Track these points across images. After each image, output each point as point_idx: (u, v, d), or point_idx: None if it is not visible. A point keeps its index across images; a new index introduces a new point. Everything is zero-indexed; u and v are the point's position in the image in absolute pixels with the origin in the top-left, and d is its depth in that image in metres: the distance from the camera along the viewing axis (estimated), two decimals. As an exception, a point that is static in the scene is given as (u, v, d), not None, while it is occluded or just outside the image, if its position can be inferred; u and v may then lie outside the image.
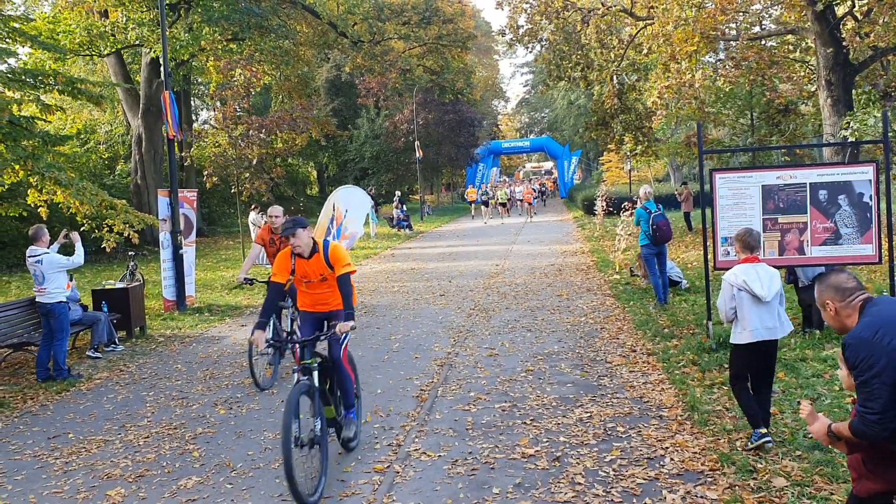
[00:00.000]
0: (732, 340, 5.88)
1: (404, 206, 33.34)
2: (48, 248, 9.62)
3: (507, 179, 55.69)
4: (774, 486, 5.02)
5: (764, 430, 5.66)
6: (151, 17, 23.52)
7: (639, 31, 21.85)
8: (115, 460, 6.42)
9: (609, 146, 31.10)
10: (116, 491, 5.71)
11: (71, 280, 11.46)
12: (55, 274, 9.45)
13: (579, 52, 25.27)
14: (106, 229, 13.59)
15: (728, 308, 5.80)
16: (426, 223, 37.98)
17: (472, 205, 41.01)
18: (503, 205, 38.68)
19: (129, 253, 16.28)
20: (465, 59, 48.35)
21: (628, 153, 28.40)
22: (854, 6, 17.69)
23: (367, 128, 46.39)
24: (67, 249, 10.04)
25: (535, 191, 42.41)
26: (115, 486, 5.83)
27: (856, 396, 3.38)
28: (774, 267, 6.17)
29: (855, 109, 17.05)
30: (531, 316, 11.89)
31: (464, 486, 5.45)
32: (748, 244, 5.96)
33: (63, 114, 20.94)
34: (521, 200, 40.99)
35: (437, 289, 15.37)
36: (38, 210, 13.88)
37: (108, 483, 5.91)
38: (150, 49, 24.52)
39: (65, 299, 9.58)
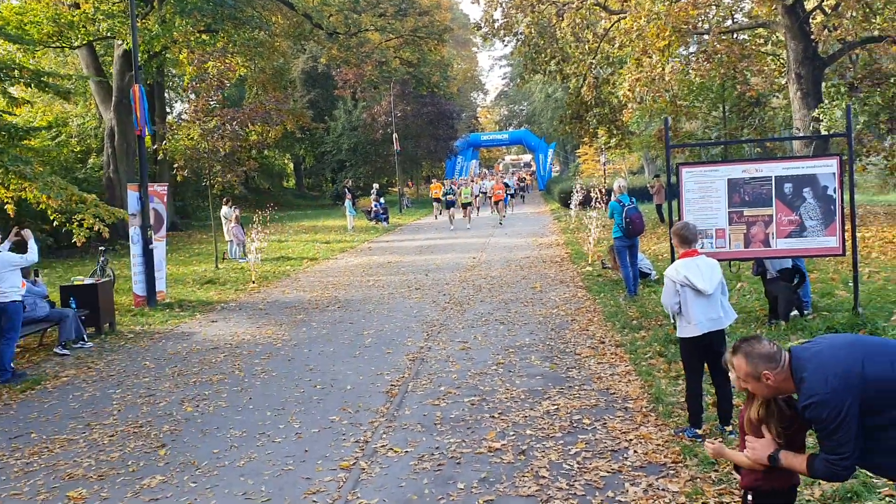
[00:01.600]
0: (679, 335, 5.97)
1: (382, 199, 33.26)
2: (0, 246, 9.52)
3: (486, 172, 54.96)
4: (735, 479, 5.06)
5: (699, 431, 5.83)
6: (122, 7, 23.24)
7: (612, 24, 21.91)
8: (78, 460, 6.36)
9: (583, 139, 31.19)
10: (77, 491, 5.66)
11: (37, 276, 11.36)
12: (8, 273, 9.33)
13: (554, 45, 25.34)
14: (76, 223, 13.43)
15: (672, 303, 5.88)
16: (405, 216, 37.92)
17: (436, 203, 35.04)
18: (467, 206, 30.01)
19: (100, 248, 16.11)
20: (441, 51, 48.25)
21: (602, 146, 28.50)
22: (823, 0, 17.86)
23: (344, 120, 46.17)
24: (20, 247, 9.90)
25: (507, 186, 34.44)
26: (76, 486, 5.78)
27: (820, 446, 3.29)
28: (740, 259, 6.26)
29: (824, 102, 17.22)
30: (505, 308, 11.91)
31: (429, 482, 5.46)
32: (685, 238, 6.01)
33: (32, 107, 20.65)
34: (490, 198, 33.25)
35: (413, 282, 15.36)
36: (5, 206, 13.68)
37: (69, 483, 5.86)
38: (122, 41, 24.23)
39: (19, 298, 9.46)
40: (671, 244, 9.38)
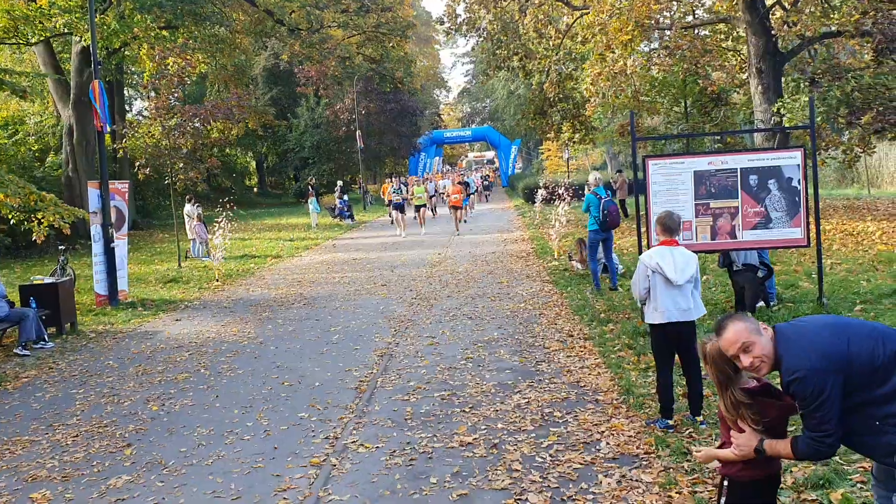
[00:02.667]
0: (646, 320, 6.04)
1: (346, 196, 33.04)
2: None
3: (450, 169, 54.63)
4: (708, 468, 5.10)
5: (671, 422, 5.89)
6: (80, 2, 22.75)
7: (575, 20, 22.02)
8: (42, 461, 6.21)
9: (547, 135, 31.31)
10: (41, 493, 5.52)
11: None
12: None
13: (517, 41, 25.40)
14: (35, 222, 13.12)
15: (642, 288, 5.92)
16: (369, 213, 37.74)
17: (391, 205, 27.12)
18: (421, 208, 26.03)
19: (60, 247, 15.77)
20: (405, 47, 48.07)
21: (567, 141, 28.63)
22: (783, -4, 18.15)
23: (307, 117, 45.78)
24: None
25: (466, 186, 29.72)
26: (40, 487, 5.64)
27: (803, 425, 3.29)
28: (707, 251, 6.32)
29: (784, 96, 17.49)
30: (472, 304, 11.90)
31: (401, 477, 5.42)
32: (668, 227, 6.05)
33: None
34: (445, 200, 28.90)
35: (379, 279, 15.28)
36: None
37: (32, 485, 5.71)
38: (80, 37, 23.74)
39: None
40: (638, 238, 9.48)
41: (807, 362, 3.18)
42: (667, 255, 5.85)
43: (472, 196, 32.58)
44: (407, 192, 26.56)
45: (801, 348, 3.23)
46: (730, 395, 3.41)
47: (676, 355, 6.07)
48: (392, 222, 26.70)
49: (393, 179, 28.04)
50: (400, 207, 25.01)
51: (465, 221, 26.93)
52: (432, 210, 31.99)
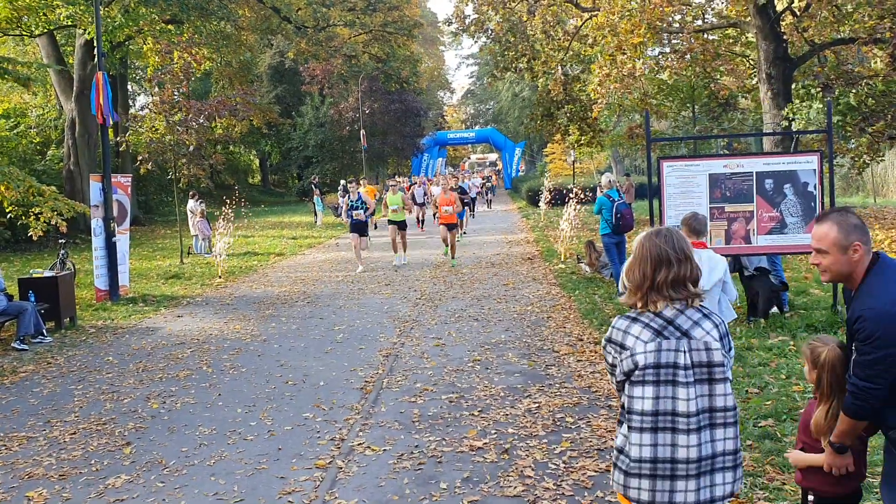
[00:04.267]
0: None
1: (349, 195, 32.83)
2: None
3: (452, 171, 54.26)
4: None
5: None
6: (85, -5, 22.63)
7: (584, 22, 21.86)
8: (39, 458, 6.03)
9: (554, 137, 31.14)
10: (38, 491, 5.35)
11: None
12: None
13: (525, 42, 25.23)
14: (33, 217, 12.96)
15: None
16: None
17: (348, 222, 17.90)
18: (398, 225, 17.28)
19: (60, 241, 15.61)
20: (411, 47, 47.98)
21: (574, 144, 28.47)
22: (793, 1, 17.98)
23: (311, 115, 45.66)
24: None
25: (462, 192, 22.09)
26: (36, 486, 5.46)
27: (853, 371, 3.05)
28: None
29: (794, 102, 17.34)
30: (478, 305, 11.73)
31: (410, 482, 5.25)
32: (694, 228, 5.88)
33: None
34: (435, 214, 20.66)
35: (383, 278, 15.11)
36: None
37: (29, 483, 5.54)
38: (84, 30, 23.59)
39: None
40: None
41: (885, 304, 2.92)
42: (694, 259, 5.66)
43: (469, 206, 25.96)
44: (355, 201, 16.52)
45: (886, 290, 2.96)
46: (833, 407, 3.21)
47: None
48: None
49: (349, 185, 18.38)
50: (360, 228, 16.49)
51: (462, 234, 21.33)
52: (420, 222, 26.17)
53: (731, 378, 2.93)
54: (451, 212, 16.74)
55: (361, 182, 25.23)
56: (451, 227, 16.77)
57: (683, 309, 2.93)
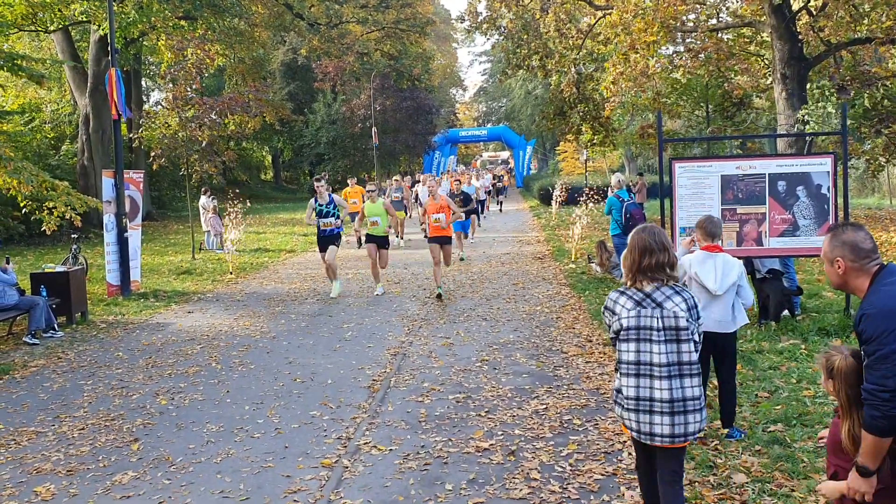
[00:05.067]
0: None
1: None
2: None
3: (464, 168, 54.10)
4: (734, 483, 4.90)
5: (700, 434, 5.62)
6: (98, -10, 22.70)
7: (597, 20, 21.77)
8: (47, 453, 6.06)
9: (567, 136, 31.05)
10: (45, 487, 5.37)
11: (8, 263, 10.99)
12: None
13: (538, 40, 25.15)
14: (46, 211, 13.02)
15: None
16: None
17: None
18: (378, 241, 13.20)
19: (73, 235, 15.68)
20: (423, 44, 47.93)
21: (586, 143, 28.37)
22: (809, 0, 17.83)
23: (323, 112, 45.67)
24: None
25: (465, 199, 18.26)
26: (44, 481, 5.49)
27: (865, 374, 3.03)
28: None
29: (809, 103, 17.20)
30: (487, 304, 11.70)
31: (415, 482, 5.24)
32: (709, 231, 5.84)
33: (5, 91, 20.10)
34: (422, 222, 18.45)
35: (392, 276, 15.11)
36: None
37: (37, 478, 5.56)
38: (98, 26, 23.70)
39: None
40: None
41: (884, 301, 2.99)
42: (708, 263, 5.63)
43: (476, 213, 22.26)
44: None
45: (887, 290, 3.03)
46: (854, 424, 3.10)
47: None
48: (359, 244, 16.30)
49: (317, 184, 13.36)
50: (330, 239, 13.17)
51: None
52: (397, 233, 20.22)
53: (696, 340, 3.85)
54: (445, 223, 12.56)
55: (349, 181, 22.60)
56: (443, 241, 12.67)
57: (660, 286, 3.88)
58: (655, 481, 4.03)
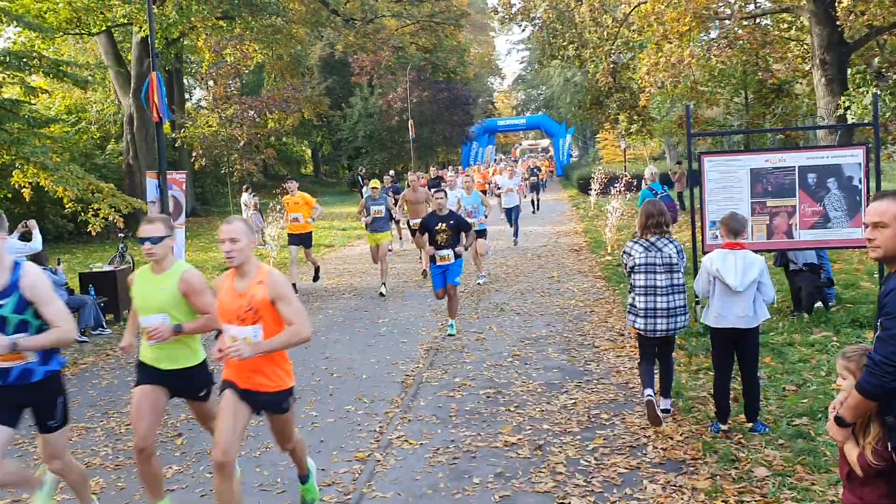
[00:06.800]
0: (703, 319, 6.05)
1: (396, 184, 33.07)
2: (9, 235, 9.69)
3: (502, 157, 53.93)
4: (756, 476, 4.99)
5: (724, 427, 5.80)
6: (139, -6, 23.22)
7: (632, 9, 21.63)
8: (96, 448, 6.38)
9: (604, 125, 30.90)
10: (95, 480, 5.66)
11: (59, 264, 11.45)
12: (15, 258, 9.44)
13: (573, 30, 25.06)
14: (91, 213, 13.46)
15: (704, 290, 5.93)
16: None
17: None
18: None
19: (119, 234, 16.18)
20: (458, 36, 47.93)
21: (623, 132, 28.20)
22: (849, -17, 17.49)
23: (360, 106, 46.04)
24: (27, 237, 10.26)
25: (494, 192, 18.60)
26: (93, 475, 5.78)
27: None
28: (763, 251, 6.21)
29: (849, 89, 16.93)
30: (521, 299, 11.83)
31: (444, 476, 5.42)
32: (733, 228, 5.90)
33: (51, 94, 20.70)
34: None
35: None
36: (23, 191, 13.76)
37: (87, 472, 5.86)
38: (139, 28, 24.25)
39: None
40: (693, 234, 9.28)
41: None
42: (729, 260, 5.71)
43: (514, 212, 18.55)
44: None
45: None
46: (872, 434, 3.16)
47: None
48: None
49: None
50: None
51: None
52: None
53: (681, 270, 6.03)
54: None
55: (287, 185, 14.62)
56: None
57: (660, 238, 6.04)
58: (651, 368, 6.09)
